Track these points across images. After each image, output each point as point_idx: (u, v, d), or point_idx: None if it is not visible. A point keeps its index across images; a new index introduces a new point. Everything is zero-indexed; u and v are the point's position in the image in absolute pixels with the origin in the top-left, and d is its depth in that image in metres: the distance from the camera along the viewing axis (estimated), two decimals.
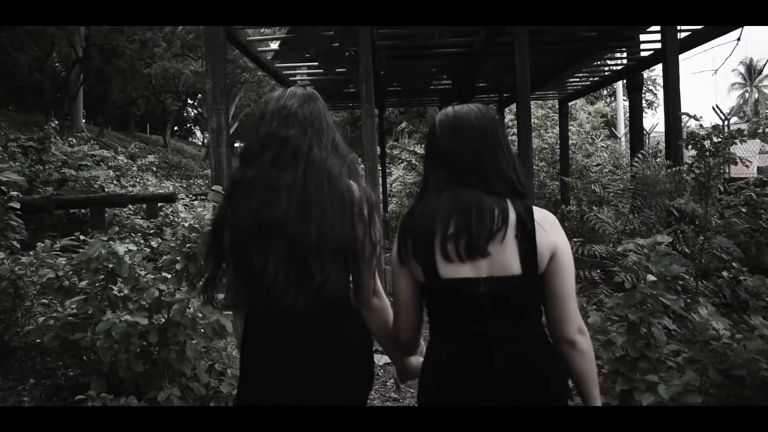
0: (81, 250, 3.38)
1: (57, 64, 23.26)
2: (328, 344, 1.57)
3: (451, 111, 1.57)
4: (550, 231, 1.44)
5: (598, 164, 12.12)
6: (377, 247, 1.58)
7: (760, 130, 3.72)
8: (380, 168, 12.07)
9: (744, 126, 3.84)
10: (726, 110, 11.12)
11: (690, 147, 3.72)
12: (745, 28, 5.97)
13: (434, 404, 1.51)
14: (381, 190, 12.10)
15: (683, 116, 4.29)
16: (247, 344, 1.65)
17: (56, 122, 9.20)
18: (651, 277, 2.59)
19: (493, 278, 1.42)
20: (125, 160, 10.26)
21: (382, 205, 12.25)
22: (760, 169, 12.91)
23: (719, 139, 3.59)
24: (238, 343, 1.71)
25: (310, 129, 1.60)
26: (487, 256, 1.42)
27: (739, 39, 6.11)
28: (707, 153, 3.63)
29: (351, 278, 1.58)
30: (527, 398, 1.42)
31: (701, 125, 4.04)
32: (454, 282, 1.44)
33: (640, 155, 5.32)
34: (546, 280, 1.45)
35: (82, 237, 3.61)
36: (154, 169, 11.73)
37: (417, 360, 1.70)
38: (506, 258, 1.42)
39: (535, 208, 1.47)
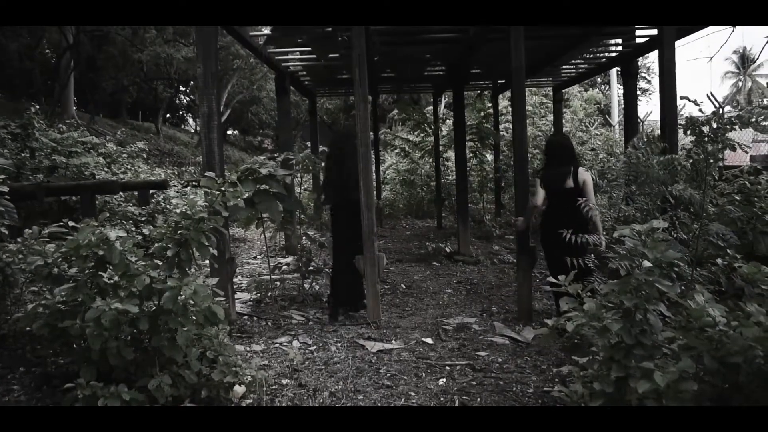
0: (70, 237, 3.33)
1: (47, 51, 22.94)
2: (355, 211, 5.33)
3: (553, 138, 5.48)
4: (582, 175, 4.84)
5: (592, 149, 12.07)
6: None
7: (753, 119, 3.69)
8: (373, 155, 12.00)
9: (741, 113, 3.82)
10: (720, 99, 11.13)
11: (689, 132, 3.69)
12: None
13: (545, 229, 5.03)
14: (374, 177, 12.03)
15: (682, 101, 4.29)
16: (334, 215, 5.71)
17: (37, 107, 8.89)
18: (647, 264, 2.57)
19: (566, 188, 4.85)
20: (114, 147, 10.11)
21: (375, 193, 12.20)
22: (752, 158, 12.96)
23: (718, 125, 3.56)
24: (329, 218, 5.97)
25: (351, 146, 5.41)
26: (563, 183, 4.87)
27: (734, 26, 6.07)
28: (706, 139, 3.61)
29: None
30: (577, 229, 4.26)
31: (701, 110, 3.99)
32: (555, 190, 4.93)
33: (635, 140, 5.28)
34: (582, 190, 4.78)
35: (71, 223, 3.54)
36: (145, 156, 11.57)
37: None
38: (569, 183, 4.86)
39: (580, 168, 4.89)
